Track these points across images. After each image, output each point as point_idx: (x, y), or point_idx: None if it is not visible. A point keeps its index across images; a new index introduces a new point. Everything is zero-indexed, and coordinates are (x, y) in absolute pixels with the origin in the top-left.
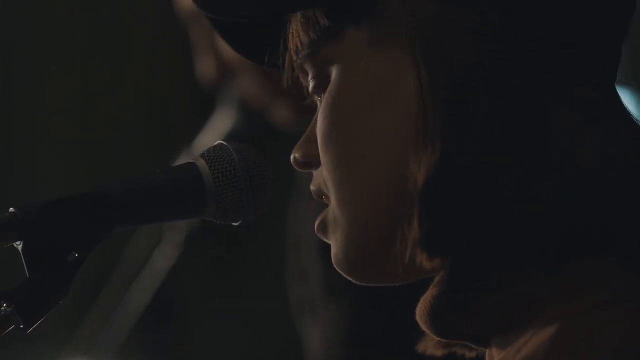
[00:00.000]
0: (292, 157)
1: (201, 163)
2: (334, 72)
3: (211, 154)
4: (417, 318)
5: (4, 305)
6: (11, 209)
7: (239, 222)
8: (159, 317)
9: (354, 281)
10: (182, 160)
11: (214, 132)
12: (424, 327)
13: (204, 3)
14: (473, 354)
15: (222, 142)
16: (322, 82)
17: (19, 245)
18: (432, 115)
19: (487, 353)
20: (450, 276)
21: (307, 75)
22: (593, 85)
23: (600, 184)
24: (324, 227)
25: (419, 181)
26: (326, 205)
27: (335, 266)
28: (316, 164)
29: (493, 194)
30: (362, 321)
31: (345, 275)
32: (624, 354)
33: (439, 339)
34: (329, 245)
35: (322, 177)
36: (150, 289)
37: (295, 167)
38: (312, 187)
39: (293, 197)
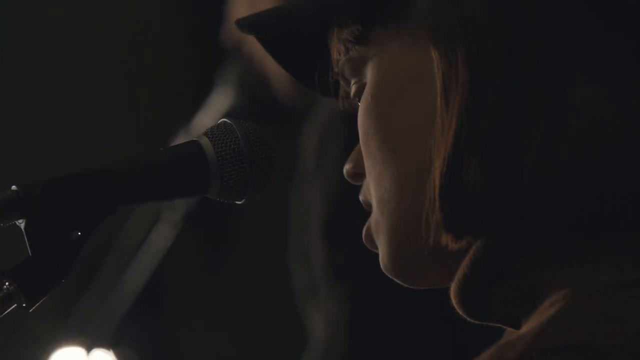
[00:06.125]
0: (344, 169)
1: (205, 141)
2: (368, 73)
3: (215, 132)
4: (451, 298)
5: (7, 283)
6: (13, 187)
7: (242, 201)
8: (152, 300)
9: (404, 284)
10: (181, 139)
11: (213, 112)
12: (456, 308)
13: (239, 23)
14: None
15: (226, 120)
16: (361, 86)
17: (21, 223)
18: (451, 97)
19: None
20: (474, 258)
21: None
22: (619, 59)
23: (628, 165)
24: (369, 235)
25: (437, 165)
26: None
27: (384, 271)
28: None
29: (510, 170)
30: (365, 306)
31: (394, 279)
32: (623, 336)
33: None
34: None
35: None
36: (147, 270)
37: (348, 179)
38: (361, 198)
39: (296, 181)
